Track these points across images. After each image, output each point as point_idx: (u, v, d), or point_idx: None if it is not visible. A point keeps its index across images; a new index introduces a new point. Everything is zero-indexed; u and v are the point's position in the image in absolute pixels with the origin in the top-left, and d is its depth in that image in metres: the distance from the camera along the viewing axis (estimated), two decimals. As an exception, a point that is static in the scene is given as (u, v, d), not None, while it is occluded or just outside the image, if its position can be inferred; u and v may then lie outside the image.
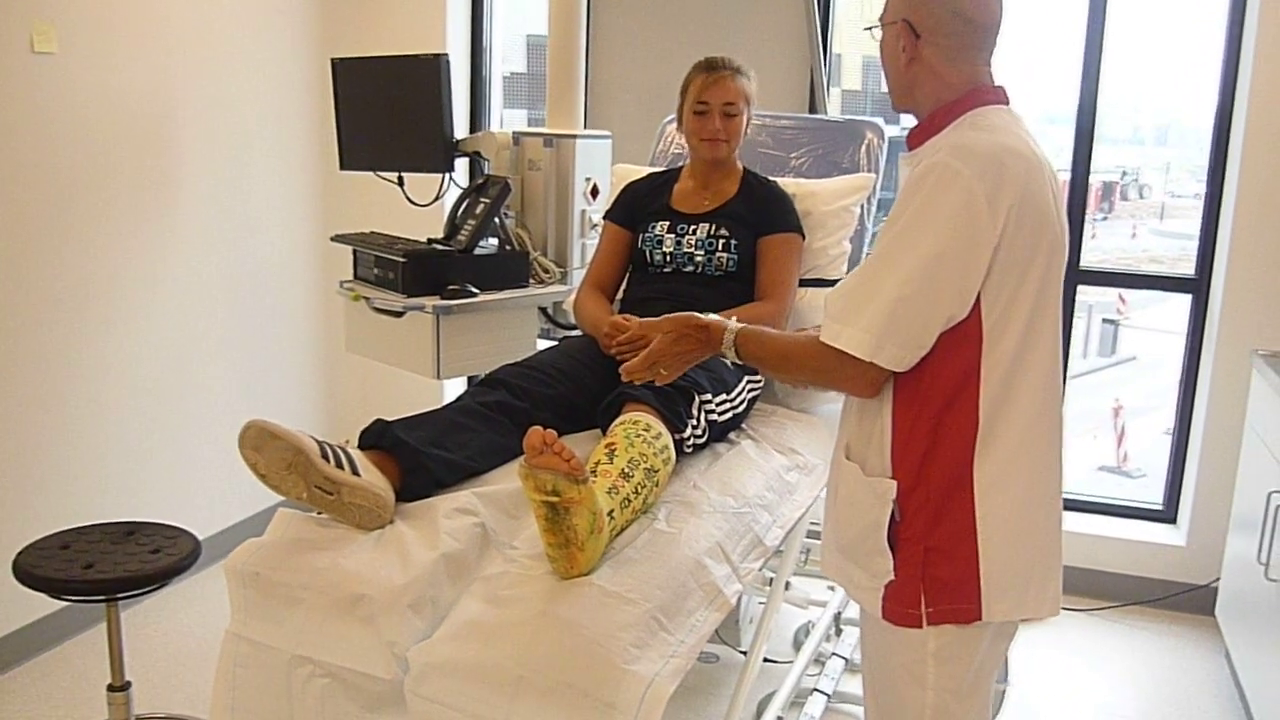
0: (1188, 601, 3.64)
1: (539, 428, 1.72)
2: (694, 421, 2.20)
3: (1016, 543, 1.60)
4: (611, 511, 1.83)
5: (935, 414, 1.58)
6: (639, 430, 2.03)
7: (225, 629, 1.82)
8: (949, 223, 1.50)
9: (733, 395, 2.36)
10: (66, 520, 2.48)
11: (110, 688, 2.34)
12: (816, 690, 2.84)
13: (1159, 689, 3.24)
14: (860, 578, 1.68)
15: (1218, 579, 3.48)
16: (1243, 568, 3.09)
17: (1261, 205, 3.42)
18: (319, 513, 1.90)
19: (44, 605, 2.96)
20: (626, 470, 1.92)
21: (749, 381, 2.43)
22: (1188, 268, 3.72)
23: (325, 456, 1.87)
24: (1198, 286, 3.70)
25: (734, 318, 1.77)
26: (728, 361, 2.34)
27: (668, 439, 2.08)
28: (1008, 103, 1.67)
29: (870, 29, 1.75)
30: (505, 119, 4.65)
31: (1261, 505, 2.88)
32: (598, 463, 1.94)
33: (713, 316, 1.78)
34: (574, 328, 3.29)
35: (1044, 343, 1.59)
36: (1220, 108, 3.57)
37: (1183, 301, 3.73)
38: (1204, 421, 3.61)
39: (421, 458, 2.00)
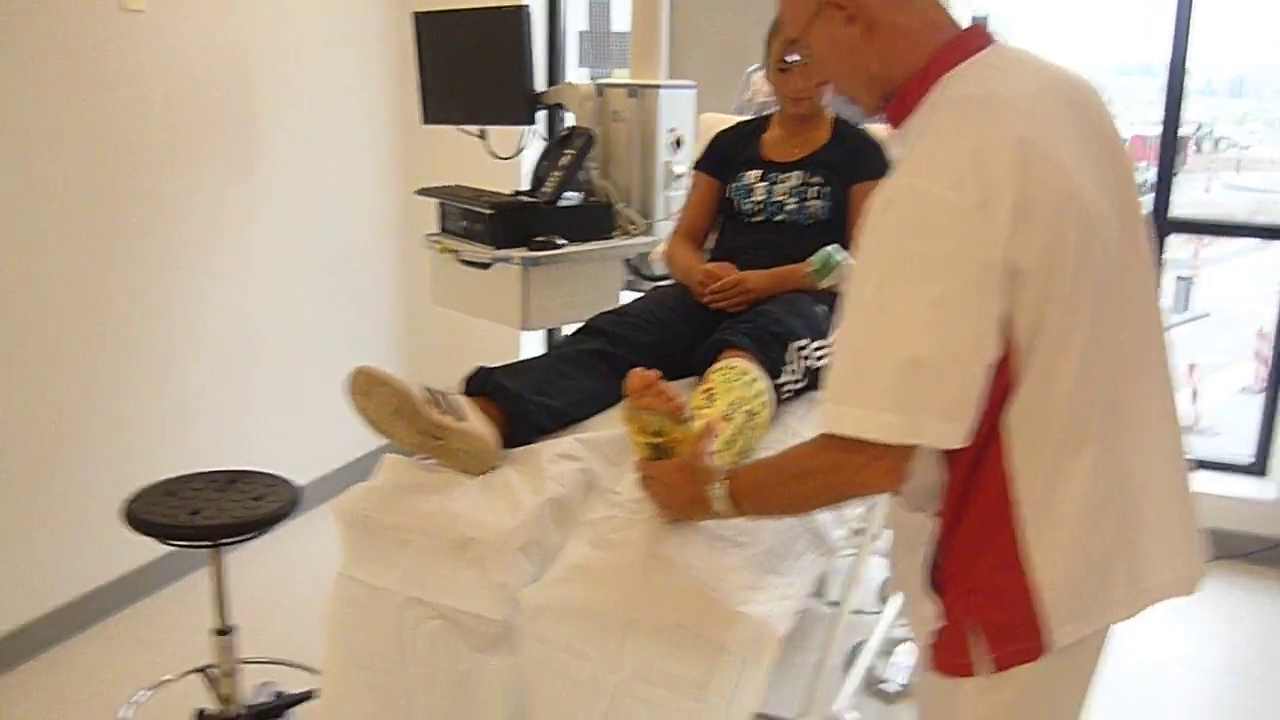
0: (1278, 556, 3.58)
1: (640, 369, 1.72)
2: (791, 367, 2.19)
3: (1081, 557, 1.34)
4: (714, 453, 1.83)
5: (980, 437, 1.30)
6: (737, 374, 2.03)
7: (337, 571, 1.85)
8: (938, 255, 1.22)
9: (830, 341, 2.33)
10: (169, 470, 2.53)
11: (215, 631, 2.40)
12: (905, 639, 2.84)
13: (1250, 642, 3.19)
14: (912, 624, 1.50)
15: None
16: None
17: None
18: (425, 458, 1.92)
19: (149, 551, 3.05)
20: (727, 413, 1.92)
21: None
22: (1266, 220, 3.62)
23: (431, 402, 1.89)
24: (1294, 234, 3.61)
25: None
26: (823, 310, 2.35)
27: (765, 384, 2.07)
28: (986, 42, 1.36)
29: (793, 59, 1.51)
30: (574, 78, 4.64)
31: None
32: (697, 407, 1.94)
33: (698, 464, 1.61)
34: (658, 279, 3.29)
35: (1079, 330, 1.28)
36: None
37: (1259, 258, 3.64)
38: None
39: (525, 404, 2.01)
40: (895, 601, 2.73)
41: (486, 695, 1.75)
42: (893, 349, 1.23)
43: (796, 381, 2.21)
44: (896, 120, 1.39)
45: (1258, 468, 3.77)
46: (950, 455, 1.35)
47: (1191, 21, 3.54)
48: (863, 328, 1.28)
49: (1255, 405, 4.09)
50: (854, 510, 2.02)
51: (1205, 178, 11.95)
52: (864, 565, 2.29)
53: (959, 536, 1.37)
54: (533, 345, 4.43)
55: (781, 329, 2.21)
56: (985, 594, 1.36)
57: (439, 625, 1.75)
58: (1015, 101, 1.29)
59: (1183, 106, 3.65)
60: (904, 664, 2.72)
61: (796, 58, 2.52)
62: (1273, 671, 3.04)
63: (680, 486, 1.63)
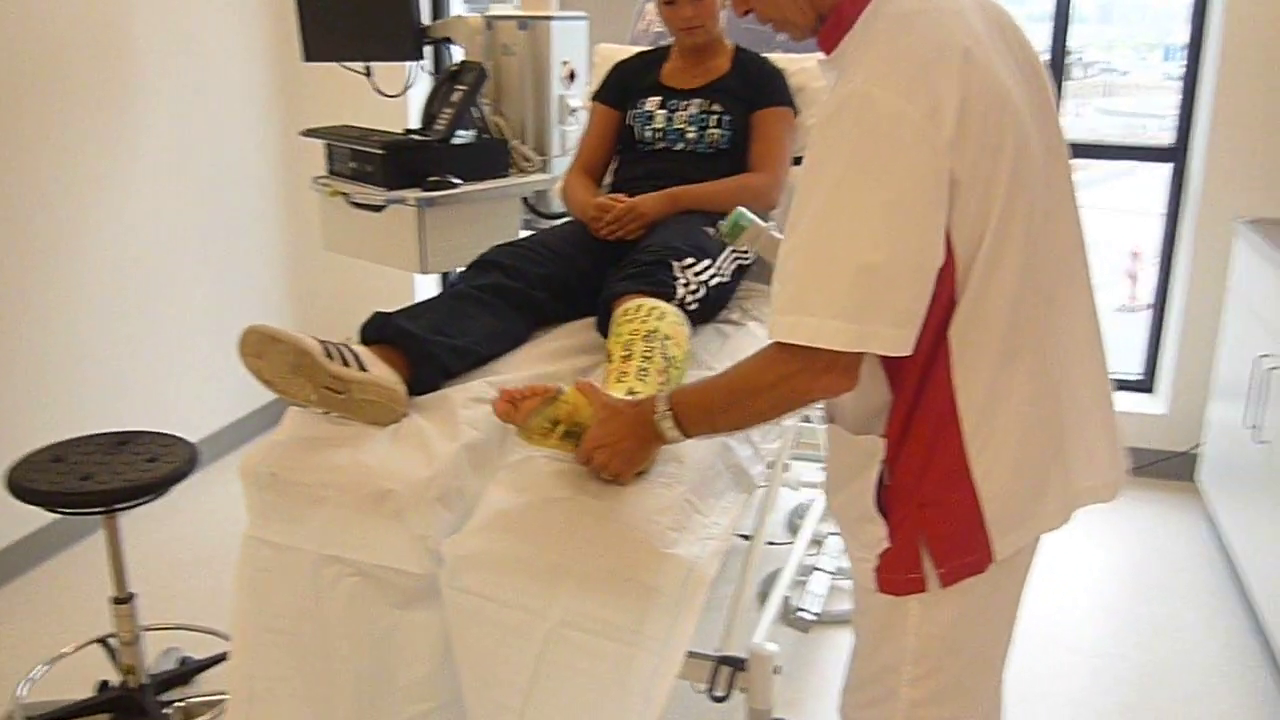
0: (1168, 468, 3.71)
1: (495, 398, 1.69)
2: (681, 281, 2.14)
3: (1016, 471, 1.38)
4: (631, 390, 1.79)
5: (925, 349, 1.31)
6: (626, 318, 1.98)
7: (243, 533, 1.77)
8: (890, 163, 1.22)
9: (718, 262, 2.28)
10: (51, 434, 2.40)
11: (114, 600, 2.29)
12: (817, 569, 2.86)
13: (1146, 554, 3.31)
14: (852, 549, 1.49)
15: (1198, 445, 3.54)
16: (1228, 432, 3.14)
17: (1243, 74, 3.40)
18: (329, 413, 1.84)
19: (34, 519, 2.91)
20: (625, 354, 1.88)
21: (734, 251, 2.37)
22: (1137, 142, 3.71)
23: (330, 355, 1.80)
24: (1175, 155, 3.70)
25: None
26: (711, 231, 2.31)
27: (655, 303, 2.02)
28: None
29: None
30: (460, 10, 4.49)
31: (1247, 370, 2.92)
32: (608, 375, 1.89)
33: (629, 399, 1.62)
34: (556, 217, 3.22)
35: (1014, 229, 1.30)
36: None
37: (1131, 181, 3.73)
38: (1184, 290, 3.63)
39: (428, 346, 1.94)
40: (806, 531, 2.74)
41: (409, 652, 1.71)
42: (844, 256, 1.24)
43: (695, 293, 2.16)
44: (830, 43, 1.37)
45: (1146, 384, 3.89)
46: (897, 371, 1.36)
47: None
48: (813, 236, 1.27)
49: (1133, 323, 4.20)
50: (770, 445, 2.00)
51: (1076, 103, 12.23)
52: (775, 496, 2.29)
53: (906, 452, 1.37)
54: (427, 287, 4.33)
55: (662, 253, 2.17)
56: (935, 508, 1.38)
57: (356, 582, 1.69)
58: (958, 16, 1.29)
59: (1069, 33, 3.69)
60: (818, 593, 2.74)
61: None
62: (1166, 578, 3.15)
63: (627, 436, 1.58)
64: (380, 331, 1.95)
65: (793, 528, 3.21)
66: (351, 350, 1.85)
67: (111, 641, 2.39)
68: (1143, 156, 3.81)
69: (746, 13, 1.45)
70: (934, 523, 1.38)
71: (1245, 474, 2.94)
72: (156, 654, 2.55)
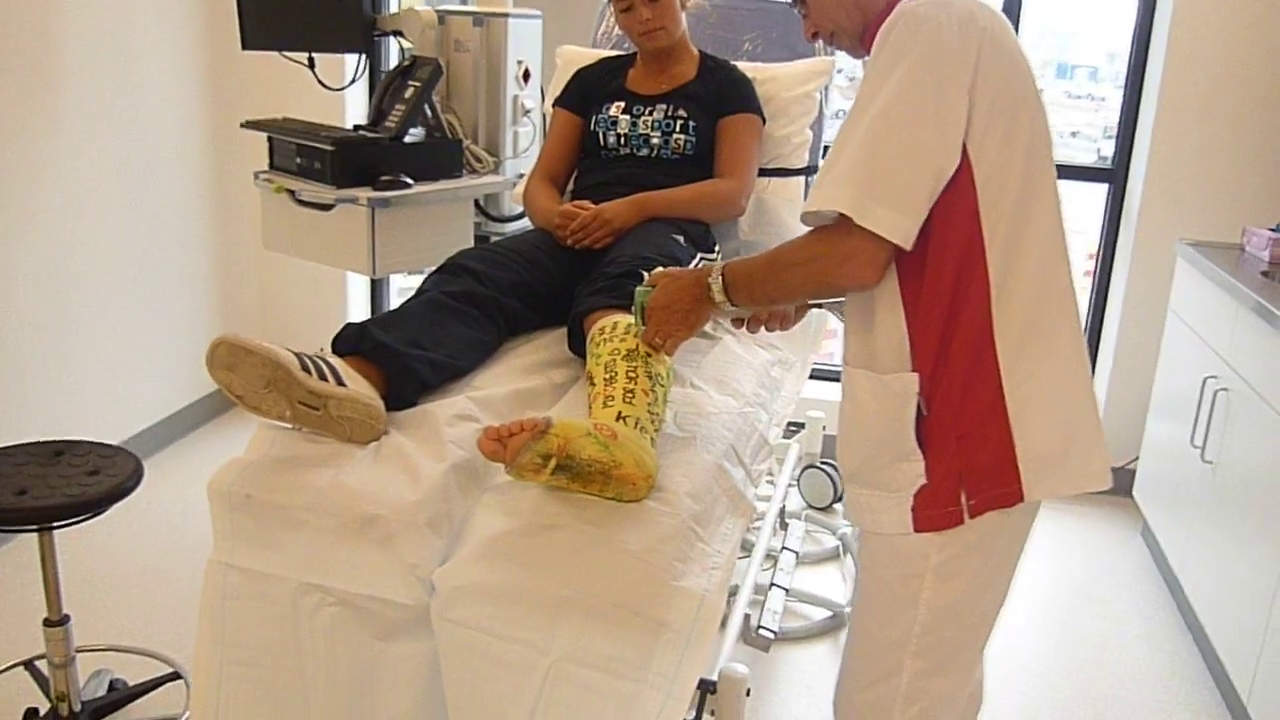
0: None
1: (481, 437, 1.59)
2: None
3: (1050, 412, 1.48)
4: (620, 414, 1.72)
5: (949, 286, 1.44)
6: (604, 337, 1.90)
7: (209, 559, 1.64)
8: (916, 58, 1.38)
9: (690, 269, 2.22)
10: (-24, 441, 2.24)
11: (47, 622, 2.12)
12: (774, 585, 2.82)
13: (1084, 567, 3.35)
14: (877, 500, 1.54)
15: (1134, 460, 3.59)
16: (1171, 449, 3.19)
17: (1184, 97, 3.46)
18: (301, 429, 1.73)
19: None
20: (607, 376, 1.80)
21: (703, 258, 2.31)
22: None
23: (306, 369, 1.69)
24: (1114, 177, 3.75)
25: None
26: (680, 238, 2.26)
27: (630, 319, 1.95)
28: None
29: (794, 2, 1.65)
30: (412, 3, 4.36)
31: (1191, 390, 2.96)
32: (592, 400, 1.81)
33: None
34: (508, 220, 3.13)
35: (1045, 194, 1.47)
36: (1145, -5, 3.58)
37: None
38: (1121, 309, 3.69)
39: (406, 359, 1.84)
40: (760, 547, 2.70)
41: (391, 687, 1.61)
42: (859, 134, 1.40)
43: None
44: (872, 39, 1.48)
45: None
46: (917, 303, 1.47)
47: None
48: (848, 120, 1.44)
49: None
50: (760, 466, 1.95)
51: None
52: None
53: (945, 384, 1.47)
54: (360, 288, 4.19)
55: (632, 263, 2.08)
56: (972, 439, 1.47)
57: (337, 612, 1.59)
58: (980, 6, 1.45)
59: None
60: (776, 610, 2.70)
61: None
62: (1106, 591, 3.20)
63: (682, 296, 1.65)
64: (356, 344, 1.84)
65: (746, 545, 3.16)
66: (328, 363, 1.74)
67: (39, 665, 2.23)
68: (1078, 176, 3.86)
69: (815, 35, 1.64)
70: (971, 454, 1.47)
71: (1189, 491, 2.98)
72: (84, 677, 2.39)
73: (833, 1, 1.59)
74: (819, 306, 1.81)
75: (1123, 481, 3.62)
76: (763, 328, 1.79)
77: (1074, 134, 5.45)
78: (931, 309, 1.46)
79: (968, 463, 1.47)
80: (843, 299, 1.65)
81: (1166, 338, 3.35)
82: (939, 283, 1.45)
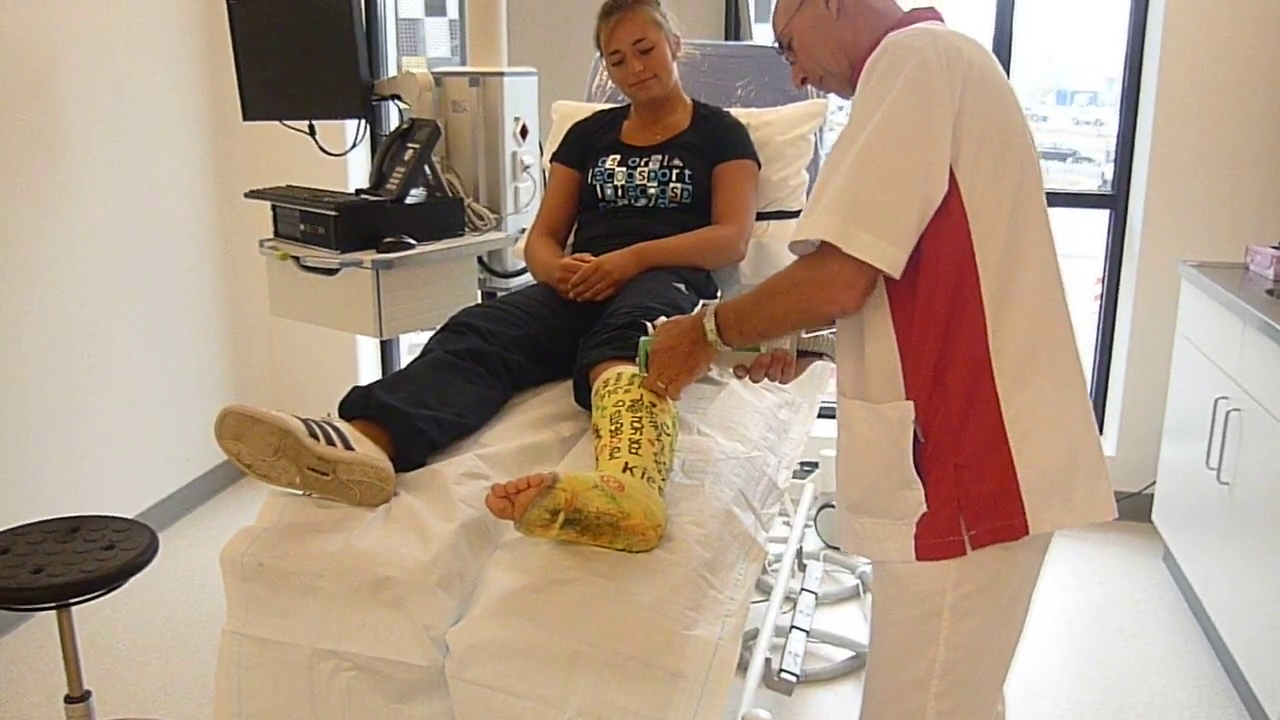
0: (1122, 509, 3.73)
1: (489, 495, 1.59)
2: None
3: (1053, 442, 1.47)
4: (627, 465, 1.72)
5: (942, 314, 1.44)
6: (608, 389, 1.91)
7: (223, 629, 1.65)
8: (902, 88, 1.40)
9: None
10: (-8, 520, 2.25)
11: (68, 699, 2.13)
12: (795, 627, 2.81)
13: (1107, 595, 3.32)
14: (881, 528, 1.54)
15: (1152, 485, 3.57)
16: (1187, 473, 3.17)
17: (1179, 118, 3.48)
18: (311, 495, 1.74)
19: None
20: (613, 428, 1.80)
21: (705, 304, 2.32)
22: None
23: (314, 434, 1.71)
24: (1115, 202, 3.76)
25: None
26: (681, 287, 2.28)
27: (635, 370, 1.96)
28: (935, 16, 1.59)
29: (781, 49, 1.68)
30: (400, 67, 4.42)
31: (1203, 411, 2.95)
32: (599, 453, 1.82)
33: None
34: (512, 275, 3.16)
35: (1037, 222, 1.48)
36: (1133, 19, 3.60)
37: (1057, 225, 3.81)
38: (1129, 333, 3.69)
39: (414, 421, 1.85)
40: (779, 589, 2.69)
41: (410, 748, 1.60)
42: (845, 165, 1.41)
43: None
44: (855, 85, 1.52)
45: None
46: (909, 328, 1.47)
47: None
48: (835, 151, 1.45)
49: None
50: (770, 510, 1.95)
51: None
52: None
53: (941, 411, 1.46)
54: (370, 350, 4.21)
55: (634, 314, 2.09)
56: (972, 470, 1.46)
57: (354, 677, 1.59)
58: (965, 40, 1.48)
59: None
60: (797, 652, 2.68)
61: (623, 50, 2.48)
62: (1129, 619, 3.17)
63: (680, 339, 1.71)
64: (362, 408, 1.86)
65: (764, 588, 3.15)
66: (334, 428, 1.75)
67: (61, 743, 2.24)
68: (1080, 203, 3.87)
69: (804, 81, 1.68)
70: (971, 484, 1.46)
71: (1207, 514, 2.96)
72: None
73: (819, 46, 1.63)
74: (821, 356, 1.81)
75: (1142, 507, 3.60)
76: (765, 377, 1.78)
77: (1077, 159, 5.48)
78: (925, 337, 1.46)
79: (967, 493, 1.47)
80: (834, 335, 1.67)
81: (1176, 360, 3.34)
82: (931, 311, 1.45)
